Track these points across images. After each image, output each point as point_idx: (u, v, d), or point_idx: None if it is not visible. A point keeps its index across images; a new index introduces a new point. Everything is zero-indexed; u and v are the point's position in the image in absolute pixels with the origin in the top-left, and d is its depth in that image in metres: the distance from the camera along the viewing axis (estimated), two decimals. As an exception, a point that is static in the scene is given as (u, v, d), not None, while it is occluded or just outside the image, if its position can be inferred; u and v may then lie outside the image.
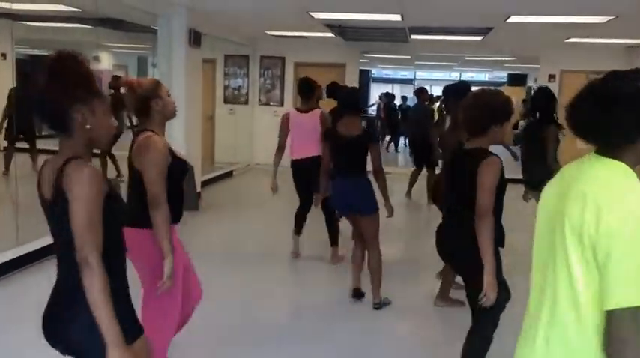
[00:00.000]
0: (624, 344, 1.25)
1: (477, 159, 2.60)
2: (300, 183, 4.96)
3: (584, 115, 1.39)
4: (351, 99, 4.12)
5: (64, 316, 1.73)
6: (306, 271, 4.94)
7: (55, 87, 1.65)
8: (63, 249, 1.71)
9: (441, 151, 4.77)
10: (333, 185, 4.07)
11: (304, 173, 4.77)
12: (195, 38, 6.89)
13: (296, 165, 4.92)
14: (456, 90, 4.44)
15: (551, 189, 1.49)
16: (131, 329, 1.76)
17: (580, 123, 1.40)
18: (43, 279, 4.21)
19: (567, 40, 8.33)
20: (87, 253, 1.60)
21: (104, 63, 12.62)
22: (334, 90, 5.54)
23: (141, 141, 2.53)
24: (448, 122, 4.60)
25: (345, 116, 3.99)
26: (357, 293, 4.18)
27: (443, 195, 3.33)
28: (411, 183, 8.33)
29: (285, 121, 5.03)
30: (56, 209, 1.67)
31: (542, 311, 1.41)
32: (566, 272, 1.34)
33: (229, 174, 9.51)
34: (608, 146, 1.37)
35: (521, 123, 10.61)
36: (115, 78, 9.23)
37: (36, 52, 12.90)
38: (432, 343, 3.67)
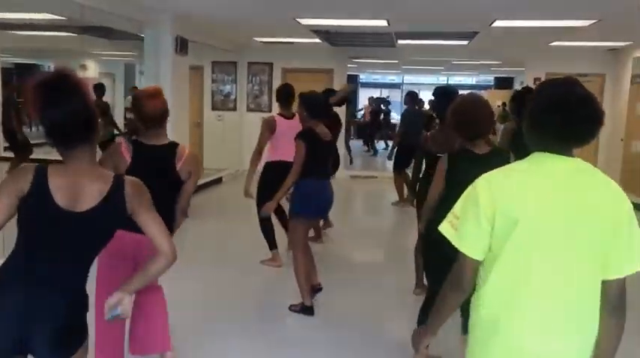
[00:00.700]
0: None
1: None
2: (273, 185, 4.88)
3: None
4: (315, 104, 4.11)
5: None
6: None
7: (89, 101, 1.80)
8: (68, 255, 1.77)
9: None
10: (312, 187, 4.01)
11: (283, 175, 4.72)
12: (181, 45, 6.89)
13: (280, 166, 4.72)
14: (445, 93, 4.44)
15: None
16: None
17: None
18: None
19: (552, 44, 8.43)
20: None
21: (91, 71, 12.59)
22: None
23: (189, 152, 2.87)
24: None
25: (314, 120, 4.03)
26: (318, 289, 4.28)
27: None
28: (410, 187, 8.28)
29: (271, 126, 5.02)
30: (94, 218, 1.74)
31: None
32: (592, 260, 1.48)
33: (218, 180, 9.49)
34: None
35: (500, 126, 10.67)
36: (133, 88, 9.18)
37: (22, 60, 12.84)
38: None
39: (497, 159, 2.95)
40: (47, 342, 1.73)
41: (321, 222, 6.15)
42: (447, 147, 3.38)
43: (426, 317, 3.02)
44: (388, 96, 16.94)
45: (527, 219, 1.46)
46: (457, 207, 1.58)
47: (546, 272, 1.48)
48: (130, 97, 11.47)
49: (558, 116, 1.46)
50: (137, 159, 2.69)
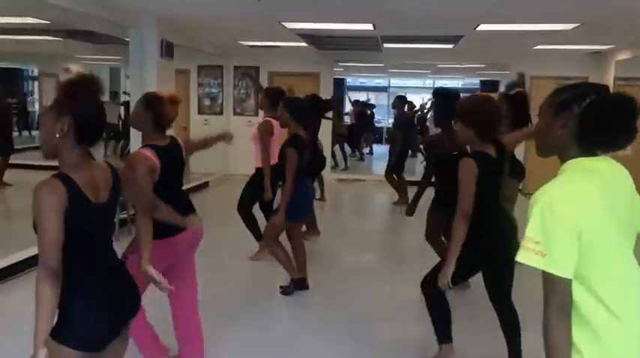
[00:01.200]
0: None
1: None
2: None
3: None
4: (299, 108, 4.36)
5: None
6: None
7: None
8: (109, 242, 2.01)
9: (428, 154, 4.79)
10: (296, 191, 4.19)
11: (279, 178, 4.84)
12: (167, 49, 6.86)
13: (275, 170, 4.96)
14: (448, 96, 4.50)
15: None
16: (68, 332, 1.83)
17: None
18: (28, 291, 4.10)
19: (536, 47, 8.51)
20: None
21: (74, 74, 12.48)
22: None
23: (183, 140, 3.03)
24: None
25: (297, 124, 4.27)
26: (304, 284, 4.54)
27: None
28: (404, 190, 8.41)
29: (269, 129, 5.13)
30: (112, 205, 1.97)
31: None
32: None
33: (205, 184, 9.45)
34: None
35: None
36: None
37: (5, 65, 12.69)
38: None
39: (504, 160, 3.05)
40: (132, 316, 2.05)
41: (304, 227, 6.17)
42: (457, 148, 3.50)
43: (445, 332, 3.22)
44: (369, 99, 16.89)
45: (603, 224, 1.52)
46: (533, 231, 1.50)
47: (625, 267, 1.57)
48: (113, 102, 11.39)
49: (624, 131, 1.55)
50: (163, 162, 2.76)
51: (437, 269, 3.12)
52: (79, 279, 1.86)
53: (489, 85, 17.94)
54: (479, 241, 2.93)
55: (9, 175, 8.46)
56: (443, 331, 3.28)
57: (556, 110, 1.61)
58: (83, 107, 1.83)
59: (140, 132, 2.92)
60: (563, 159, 1.63)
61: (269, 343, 3.73)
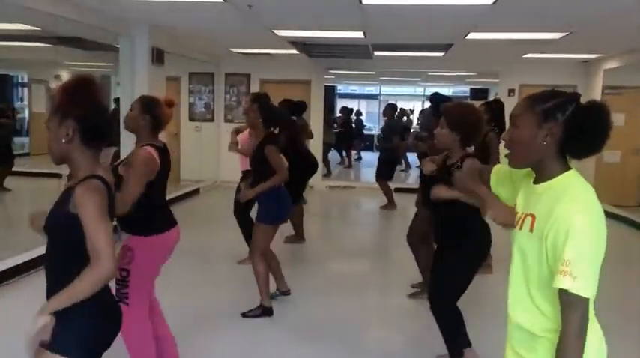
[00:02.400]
0: None
1: None
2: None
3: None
4: (273, 114, 4.20)
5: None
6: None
7: None
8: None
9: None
10: (275, 194, 4.10)
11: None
12: (158, 56, 6.86)
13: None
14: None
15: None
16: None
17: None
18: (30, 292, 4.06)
19: (525, 56, 8.59)
20: None
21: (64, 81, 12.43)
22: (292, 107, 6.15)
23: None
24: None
25: (265, 129, 4.12)
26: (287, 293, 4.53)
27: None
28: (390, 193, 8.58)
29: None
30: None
31: None
32: None
33: (196, 191, 9.43)
34: None
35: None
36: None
37: (-4, 71, 12.60)
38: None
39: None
40: (120, 325, 1.99)
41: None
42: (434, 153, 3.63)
43: (464, 338, 3.18)
44: (351, 108, 16.83)
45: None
46: (569, 254, 1.47)
47: None
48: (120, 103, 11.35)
49: (603, 137, 1.56)
50: (162, 162, 2.91)
51: (437, 285, 3.16)
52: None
53: (479, 93, 18.08)
54: (484, 241, 3.11)
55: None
56: (462, 338, 3.20)
57: (540, 119, 1.58)
58: (85, 109, 1.80)
59: (131, 137, 2.98)
60: (541, 168, 1.62)
61: (253, 351, 3.71)
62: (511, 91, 10.02)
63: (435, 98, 4.61)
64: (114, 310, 1.98)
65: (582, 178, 1.62)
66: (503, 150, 1.89)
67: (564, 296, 1.47)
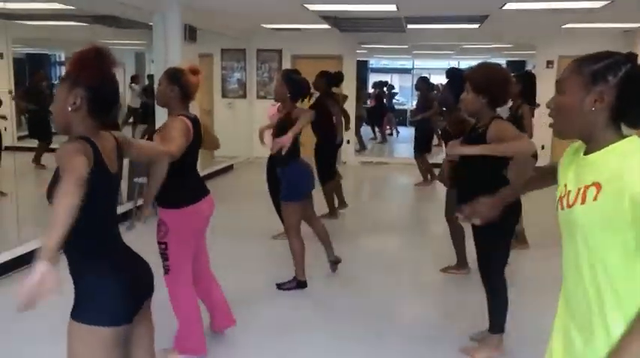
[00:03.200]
0: None
1: None
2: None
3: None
4: (300, 86, 4.23)
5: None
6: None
7: None
8: (115, 217, 1.97)
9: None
10: (298, 170, 4.14)
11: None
12: (190, 33, 6.89)
13: None
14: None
15: None
16: (98, 312, 1.79)
17: None
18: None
19: (564, 26, 8.31)
20: None
21: (101, 60, 12.61)
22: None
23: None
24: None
25: (292, 103, 4.15)
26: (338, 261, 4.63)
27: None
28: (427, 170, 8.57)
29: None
30: (120, 174, 1.94)
31: None
32: None
33: (230, 167, 9.54)
34: None
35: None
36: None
37: (33, 50, 12.90)
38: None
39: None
40: (149, 295, 2.00)
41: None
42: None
43: (502, 317, 3.13)
44: (387, 82, 16.60)
45: None
46: None
47: None
48: (136, 86, 11.51)
49: None
50: (195, 132, 2.98)
51: (485, 259, 3.12)
52: (92, 255, 1.82)
53: (516, 65, 17.63)
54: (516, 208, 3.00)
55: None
56: (502, 320, 3.17)
57: (588, 82, 1.39)
58: (96, 79, 1.77)
59: (166, 114, 3.06)
60: (592, 138, 1.43)
61: (289, 324, 3.78)
62: (549, 63, 9.73)
63: (452, 72, 4.54)
64: (137, 269, 1.95)
65: None
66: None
67: None
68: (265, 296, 4.17)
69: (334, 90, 6.54)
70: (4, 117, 6.86)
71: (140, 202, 6.04)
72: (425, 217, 6.96)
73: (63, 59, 13.17)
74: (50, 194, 1.71)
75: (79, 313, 1.78)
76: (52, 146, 8.82)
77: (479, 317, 3.41)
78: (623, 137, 1.41)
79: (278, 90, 4.18)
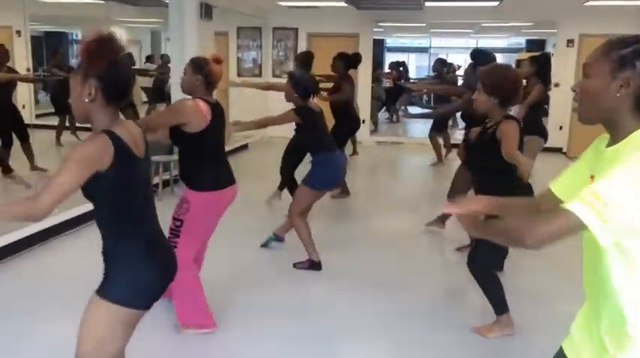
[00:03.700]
0: None
1: None
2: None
3: None
4: (305, 84, 4.17)
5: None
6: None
7: None
8: (152, 202, 2.02)
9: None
10: (328, 160, 4.19)
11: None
12: (206, 11, 6.86)
13: None
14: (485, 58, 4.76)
15: None
16: (123, 289, 1.87)
17: None
18: (53, 256, 4.28)
19: (586, 4, 8.13)
20: None
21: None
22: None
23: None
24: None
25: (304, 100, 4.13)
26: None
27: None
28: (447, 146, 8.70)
29: None
30: (149, 158, 2.00)
31: None
32: None
33: (245, 147, 9.56)
34: None
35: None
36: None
37: (50, 28, 12.94)
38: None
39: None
40: (170, 283, 2.05)
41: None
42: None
43: (503, 303, 3.20)
44: (399, 62, 16.38)
45: None
46: (606, 190, 1.22)
47: None
48: (151, 65, 11.52)
49: None
50: (213, 116, 3.06)
51: (480, 247, 3.18)
52: (127, 239, 1.89)
53: (536, 45, 17.32)
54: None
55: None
56: (501, 303, 3.25)
57: (615, 67, 1.36)
58: (106, 68, 1.81)
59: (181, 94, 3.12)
60: (614, 126, 1.39)
61: (303, 302, 3.81)
62: (570, 42, 9.53)
63: (477, 54, 4.57)
64: (166, 258, 2.04)
65: None
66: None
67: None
68: (275, 275, 4.22)
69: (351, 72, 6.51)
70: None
71: (165, 177, 6.15)
72: (439, 196, 6.92)
73: (80, 37, 13.21)
74: None
75: (106, 291, 1.86)
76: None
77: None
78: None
79: (287, 92, 4.17)
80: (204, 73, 3.11)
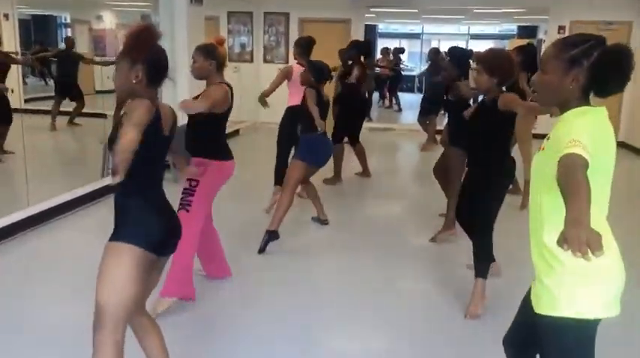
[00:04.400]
0: None
1: None
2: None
3: None
4: (322, 71, 4.59)
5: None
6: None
7: None
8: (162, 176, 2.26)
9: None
10: (319, 140, 4.50)
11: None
12: (196, -5, 6.81)
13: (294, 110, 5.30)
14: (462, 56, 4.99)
15: None
16: (140, 234, 2.06)
17: None
18: (58, 237, 4.29)
19: (577, -10, 8.14)
20: None
21: (107, 22, 12.50)
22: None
23: None
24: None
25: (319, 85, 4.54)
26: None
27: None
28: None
29: (288, 74, 5.54)
30: (170, 140, 2.22)
31: None
32: None
33: (236, 132, 9.54)
34: None
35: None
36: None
37: (38, 12, 12.76)
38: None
39: None
40: (173, 250, 2.26)
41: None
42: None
43: (487, 265, 3.39)
44: (403, 49, 16.33)
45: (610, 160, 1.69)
46: (584, 137, 1.52)
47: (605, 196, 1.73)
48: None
49: (624, 80, 1.67)
50: (231, 97, 3.41)
51: (478, 217, 3.44)
52: (142, 192, 2.12)
53: (527, 31, 17.31)
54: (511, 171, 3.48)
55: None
56: (484, 265, 3.42)
57: (567, 66, 1.67)
58: (151, 54, 2.12)
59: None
60: (565, 106, 1.73)
61: (290, 281, 3.86)
62: (561, 28, 9.56)
63: (454, 51, 4.96)
64: (175, 219, 2.24)
65: (600, 113, 1.71)
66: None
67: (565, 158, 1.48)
68: (266, 256, 4.25)
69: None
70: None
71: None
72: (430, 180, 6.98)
73: (69, 21, 13.05)
74: (112, 142, 2.01)
75: (121, 235, 2.05)
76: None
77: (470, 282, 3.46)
78: (589, 104, 1.71)
79: (304, 76, 4.63)
80: (215, 58, 3.34)
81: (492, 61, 3.40)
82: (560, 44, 1.72)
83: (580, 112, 1.69)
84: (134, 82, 2.09)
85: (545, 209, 1.72)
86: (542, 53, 1.76)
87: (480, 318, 3.37)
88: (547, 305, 1.71)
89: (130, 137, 1.86)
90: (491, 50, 3.79)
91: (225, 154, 3.49)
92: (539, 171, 1.74)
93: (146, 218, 2.10)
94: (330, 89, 5.31)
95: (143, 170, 2.07)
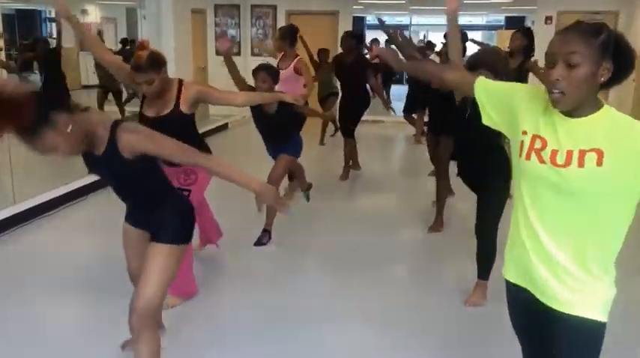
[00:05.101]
0: None
1: None
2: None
3: None
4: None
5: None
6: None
7: None
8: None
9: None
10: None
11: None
12: (183, -12, 6.74)
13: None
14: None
15: None
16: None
17: None
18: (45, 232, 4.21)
19: (564, -20, 8.15)
20: None
21: (92, 16, 12.34)
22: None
23: None
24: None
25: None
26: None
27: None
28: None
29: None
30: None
31: None
32: None
33: (225, 126, 9.48)
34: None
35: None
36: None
37: (22, 6, 12.58)
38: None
39: None
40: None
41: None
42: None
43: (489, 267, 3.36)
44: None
45: None
46: None
47: None
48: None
49: (633, 67, 1.46)
50: None
51: (484, 220, 3.36)
52: (168, 191, 2.36)
53: (514, 22, 17.34)
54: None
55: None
56: (488, 266, 3.41)
57: (600, 55, 1.39)
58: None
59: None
60: (581, 105, 1.45)
61: (280, 274, 3.85)
62: (548, 19, 9.58)
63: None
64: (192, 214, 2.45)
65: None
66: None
67: None
68: (248, 247, 4.23)
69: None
70: None
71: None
72: (419, 171, 7.00)
73: (54, 15, 12.87)
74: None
75: (173, 237, 2.23)
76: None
77: (459, 273, 3.47)
78: (599, 100, 1.47)
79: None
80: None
81: (491, 59, 3.39)
82: (582, 29, 1.42)
83: (614, 110, 1.46)
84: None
85: (605, 221, 1.48)
86: (549, 45, 1.47)
87: (480, 314, 3.36)
88: (587, 308, 1.55)
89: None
90: (489, 51, 3.87)
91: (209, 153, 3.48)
92: (596, 187, 1.44)
93: (184, 212, 2.33)
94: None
95: (163, 173, 2.33)
